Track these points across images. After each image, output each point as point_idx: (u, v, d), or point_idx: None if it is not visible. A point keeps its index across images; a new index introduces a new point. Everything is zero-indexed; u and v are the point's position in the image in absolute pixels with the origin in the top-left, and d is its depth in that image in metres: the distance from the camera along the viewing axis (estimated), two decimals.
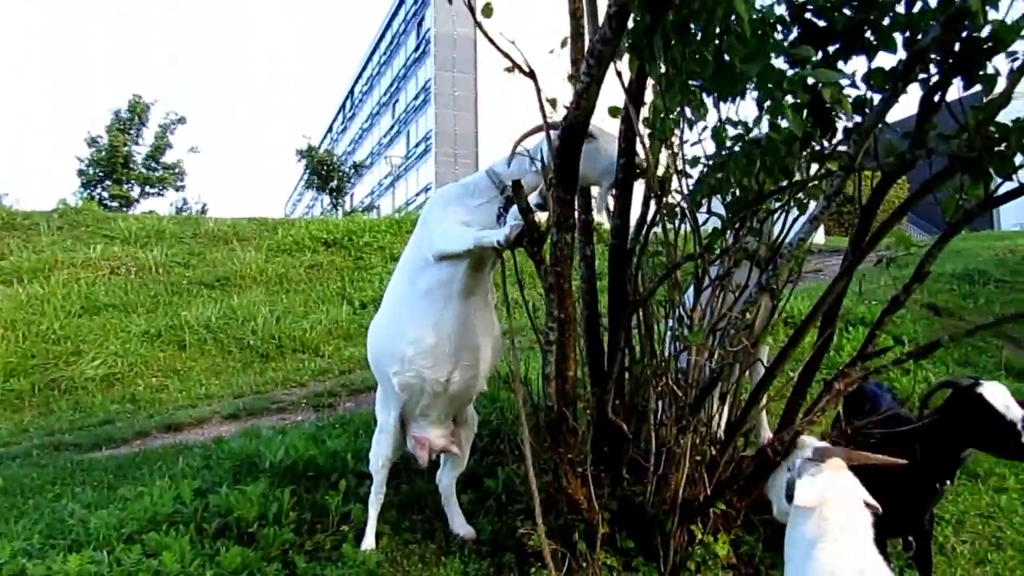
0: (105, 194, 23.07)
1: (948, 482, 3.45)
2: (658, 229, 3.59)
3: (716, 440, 3.79)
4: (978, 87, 3.01)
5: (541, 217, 3.12)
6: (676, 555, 3.59)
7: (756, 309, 3.28)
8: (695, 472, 3.57)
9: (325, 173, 31.24)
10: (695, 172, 3.35)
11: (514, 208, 3.17)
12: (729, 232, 3.11)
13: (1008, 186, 3.01)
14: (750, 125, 2.84)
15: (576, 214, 3.49)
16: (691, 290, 3.65)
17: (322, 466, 4.33)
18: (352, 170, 33.70)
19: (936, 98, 3.23)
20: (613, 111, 3.54)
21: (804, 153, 2.84)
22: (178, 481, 4.22)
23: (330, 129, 68.56)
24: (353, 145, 59.10)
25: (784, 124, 2.60)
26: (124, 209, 21.82)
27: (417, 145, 44.09)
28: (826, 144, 2.84)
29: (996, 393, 3.42)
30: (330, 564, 3.51)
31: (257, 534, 3.61)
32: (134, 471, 5.17)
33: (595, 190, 3.64)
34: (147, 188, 24.25)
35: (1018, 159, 3.09)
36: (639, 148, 3.32)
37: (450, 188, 3.62)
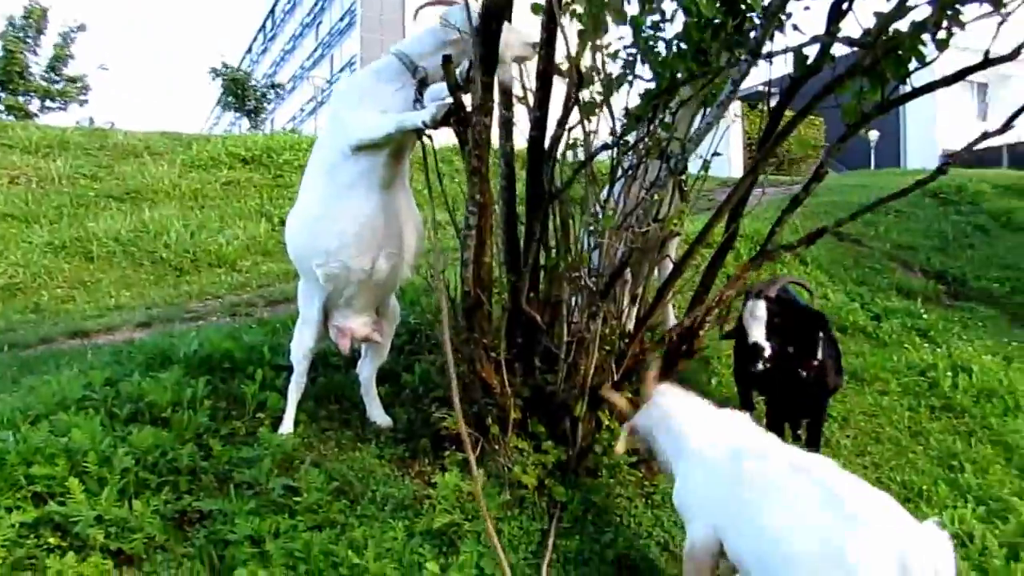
0: (0, 106, 21.60)
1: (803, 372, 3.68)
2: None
3: (625, 334, 3.96)
4: None
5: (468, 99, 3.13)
6: (583, 439, 3.78)
7: (665, 196, 3.40)
8: (604, 361, 3.74)
9: (242, 94, 30.01)
10: (615, 67, 3.42)
11: (432, 89, 3.17)
12: (643, 123, 3.20)
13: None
14: (667, 15, 2.91)
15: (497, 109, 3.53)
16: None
17: (238, 359, 4.32)
18: (271, 91, 32.45)
19: (844, 6, 3.37)
20: (535, 8, 3.55)
21: (715, 41, 2.92)
22: (87, 372, 4.16)
23: (249, 49, 65.56)
24: (274, 67, 56.75)
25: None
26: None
27: (342, 70, 42.67)
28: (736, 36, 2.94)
29: (751, 310, 3.62)
30: (246, 447, 3.56)
31: (171, 419, 3.61)
32: (40, 366, 5.04)
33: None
34: (47, 102, 22.77)
35: (913, 64, 3.27)
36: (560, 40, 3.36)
37: (359, 76, 3.58)
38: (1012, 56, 3.19)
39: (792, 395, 3.91)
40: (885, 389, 5.71)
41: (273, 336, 4.76)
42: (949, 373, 6.01)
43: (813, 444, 4.15)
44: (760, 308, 3.67)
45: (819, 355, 3.72)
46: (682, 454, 2.97)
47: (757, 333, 3.66)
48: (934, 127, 30.91)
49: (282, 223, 10.88)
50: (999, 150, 27.56)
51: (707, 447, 2.87)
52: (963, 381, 5.91)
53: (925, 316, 7.39)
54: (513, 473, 3.58)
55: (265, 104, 31.88)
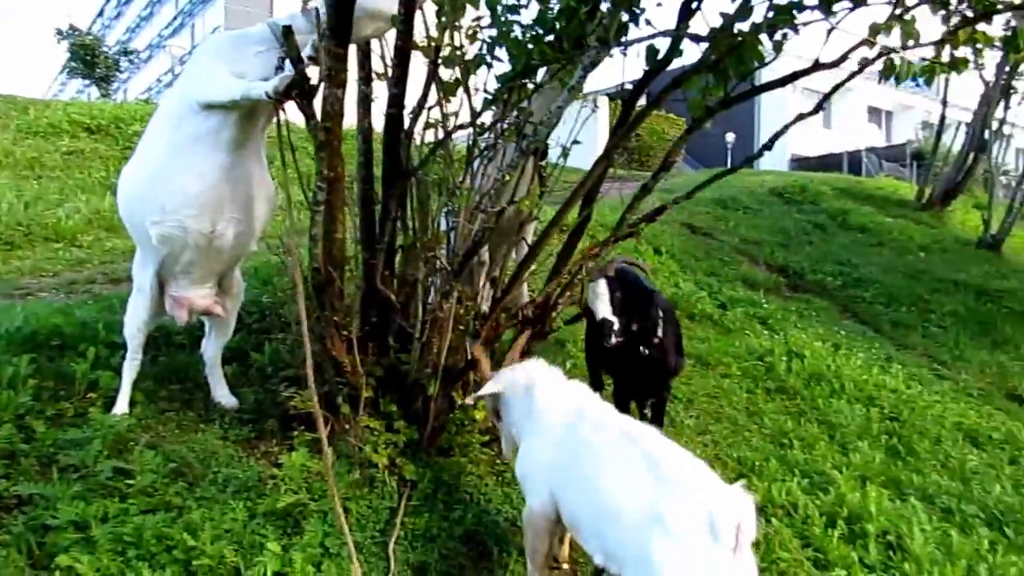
0: None
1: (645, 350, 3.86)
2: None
3: (481, 315, 3.99)
4: None
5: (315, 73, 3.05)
6: (436, 418, 3.79)
7: (518, 175, 3.45)
8: (458, 341, 3.76)
9: (91, 59, 27.93)
10: (473, 49, 3.43)
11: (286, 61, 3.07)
12: (499, 105, 3.24)
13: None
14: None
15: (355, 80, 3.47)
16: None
17: (68, 335, 4.03)
18: (124, 58, 30.41)
19: (693, 4, 3.53)
20: None
21: (568, 28, 3.00)
22: None
23: (101, 12, 61.07)
24: (129, 34, 53.14)
25: None
26: None
27: (204, 40, 40.55)
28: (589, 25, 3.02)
29: (593, 289, 3.78)
30: (74, 429, 3.33)
31: None
32: None
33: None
34: None
35: (754, 64, 3.46)
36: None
37: (223, 36, 3.42)
38: (838, 63, 3.45)
39: (636, 374, 4.07)
40: (727, 372, 6.07)
41: (109, 312, 4.48)
42: (784, 358, 6.46)
43: (657, 422, 4.35)
44: (601, 286, 3.81)
45: (659, 333, 3.89)
46: (528, 418, 3.10)
47: (603, 310, 3.79)
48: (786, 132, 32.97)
49: None
50: (840, 156, 29.81)
51: (550, 414, 3.01)
52: (796, 365, 6.38)
53: (766, 306, 7.90)
54: (364, 452, 3.54)
55: (117, 72, 29.86)
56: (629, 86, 3.79)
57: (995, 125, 15.10)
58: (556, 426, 2.95)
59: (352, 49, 3.47)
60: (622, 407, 4.29)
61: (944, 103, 15.90)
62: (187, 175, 3.27)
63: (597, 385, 4.88)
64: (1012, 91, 14.74)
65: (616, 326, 3.78)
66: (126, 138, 12.38)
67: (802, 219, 12.21)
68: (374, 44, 3.66)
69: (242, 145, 3.33)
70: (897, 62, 2.95)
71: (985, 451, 5.90)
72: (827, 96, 3.43)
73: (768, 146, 3.46)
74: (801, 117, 3.55)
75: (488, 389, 3.30)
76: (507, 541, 3.45)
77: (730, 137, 31.33)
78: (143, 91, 45.62)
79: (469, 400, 3.50)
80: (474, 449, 3.93)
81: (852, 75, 3.30)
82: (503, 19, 3.06)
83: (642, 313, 3.85)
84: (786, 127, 3.46)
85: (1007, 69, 13.15)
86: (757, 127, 34.47)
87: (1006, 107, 15.00)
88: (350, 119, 3.69)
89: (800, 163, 30.25)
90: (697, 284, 7.96)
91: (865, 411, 5.88)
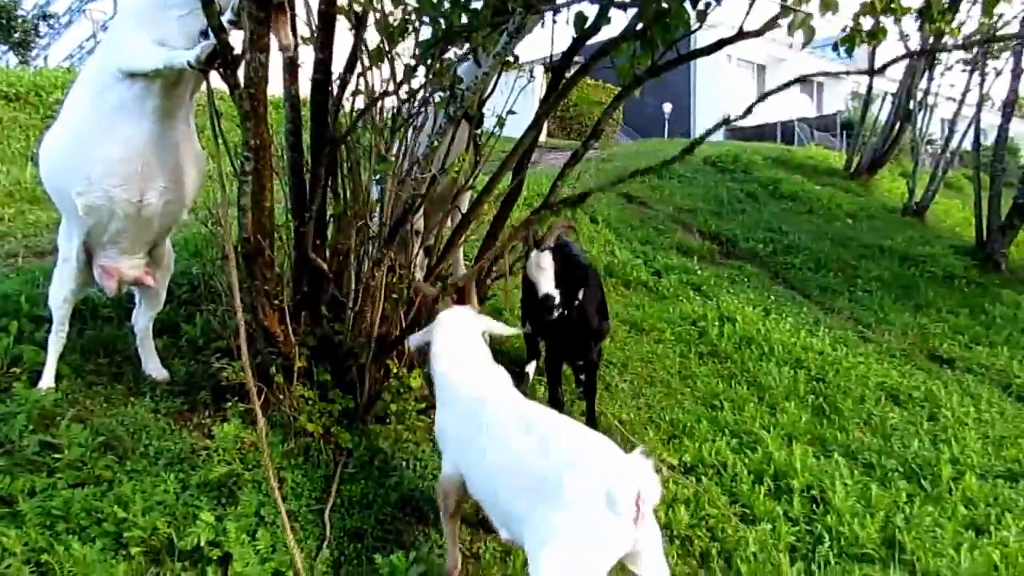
0: None
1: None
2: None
3: (413, 283, 4.00)
4: None
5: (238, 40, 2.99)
6: (372, 387, 3.80)
7: (450, 143, 3.44)
8: (391, 310, 3.77)
9: (7, 23, 26.58)
10: (398, 12, 3.40)
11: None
12: (422, 72, 3.23)
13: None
14: None
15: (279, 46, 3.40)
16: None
17: None
18: (42, 22, 29.02)
19: None
20: None
21: None
22: None
23: None
24: None
25: None
26: None
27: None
28: None
29: (537, 261, 3.85)
30: None
31: None
32: None
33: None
34: None
35: (680, 32, 3.52)
36: None
37: (142, 2, 3.31)
38: (760, 32, 3.52)
39: (565, 338, 4.16)
40: (661, 338, 6.21)
41: (32, 286, 4.35)
42: (716, 323, 6.63)
43: (589, 384, 4.45)
44: (546, 259, 3.85)
45: (579, 298, 3.97)
46: (442, 391, 3.16)
47: (546, 285, 3.84)
48: (720, 102, 33.42)
49: None
50: (774, 126, 30.38)
51: (461, 392, 3.05)
52: (728, 330, 6.55)
53: (700, 272, 8.07)
54: (298, 422, 3.54)
55: (36, 37, 28.51)
56: (559, 55, 3.81)
57: (919, 96, 15.56)
58: (464, 406, 3.00)
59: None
60: (555, 370, 4.39)
61: (871, 73, 16.26)
62: (112, 144, 3.20)
63: (533, 353, 4.96)
64: (936, 62, 15.18)
65: (557, 300, 3.85)
66: (47, 106, 11.88)
67: (735, 188, 12.43)
68: (299, 8, 3.59)
69: (168, 113, 3.26)
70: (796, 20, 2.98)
71: (906, 409, 6.17)
72: (757, 101, 3.52)
73: (697, 143, 3.57)
74: (726, 122, 3.66)
75: (418, 340, 3.37)
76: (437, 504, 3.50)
77: (667, 107, 31.64)
78: (64, 57, 43.54)
79: (409, 341, 3.49)
80: (410, 416, 3.94)
81: (745, 35, 3.35)
82: None
83: (572, 280, 3.92)
84: (709, 131, 3.59)
85: (930, 40, 13.54)
86: (693, 97, 34.88)
87: (930, 78, 15.46)
88: (278, 87, 3.64)
89: (735, 132, 30.82)
90: (633, 252, 8.07)
91: (793, 373, 6.08)
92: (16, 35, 26.47)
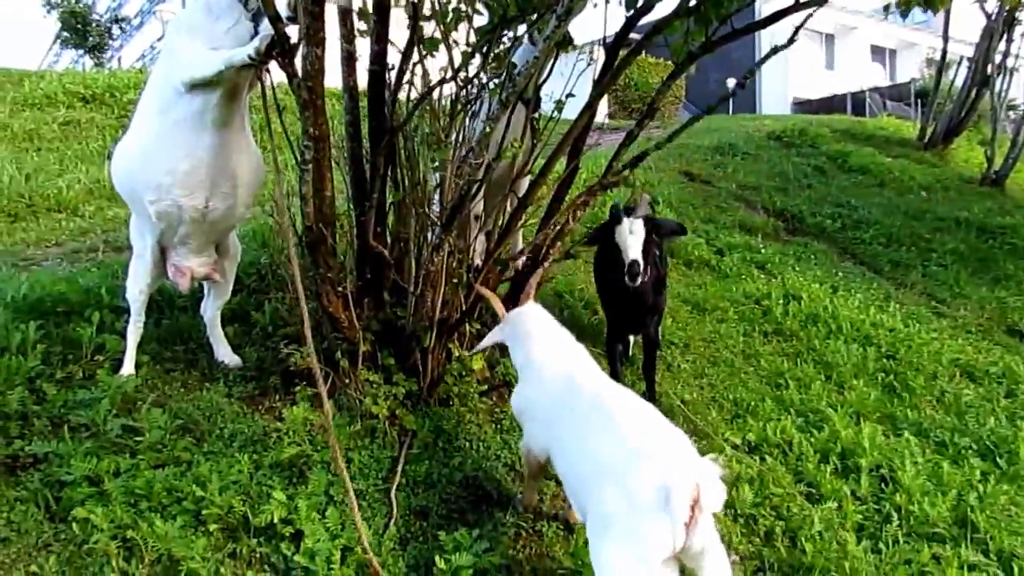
0: None
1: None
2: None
3: (473, 267, 4.06)
4: None
5: (293, 31, 3.08)
6: (434, 370, 3.89)
7: (506, 127, 3.48)
8: (452, 294, 3.84)
9: (82, 28, 27.65)
10: (453, 2, 3.44)
11: (265, 21, 3.10)
12: (478, 58, 3.26)
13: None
14: None
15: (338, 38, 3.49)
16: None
17: (74, 302, 4.13)
18: (115, 25, 30.08)
19: None
20: None
21: None
22: None
23: None
24: (119, 0, 52.46)
25: None
26: None
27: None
28: None
29: (629, 227, 3.90)
30: (83, 390, 3.45)
31: None
32: None
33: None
34: None
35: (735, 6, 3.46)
36: None
37: (191, 13, 3.46)
38: (821, 2, 3.45)
39: (625, 310, 4.21)
40: (723, 317, 6.14)
41: (112, 278, 4.57)
42: (781, 301, 6.52)
43: (649, 362, 4.47)
44: (638, 225, 3.91)
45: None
46: (525, 366, 3.27)
47: (635, 251, 3.91)
48: (787, 75, 32.56)
49: None
50: (844, 97, 29.46)
51: (544, 367, 3.15)
52: (793, 308, 6.43)
53: (763, 250, 7.93)
54: (364, 405, 3.65)
55: (109, 40, 29.59)
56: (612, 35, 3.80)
57: (998, 59, 14.87)
58: (548, 380, 3.10)
59: (332, 7, 3.50)
60: (613, 347, 4.42)
61: (945, 38, 15.61)
62: (178, 156, 3.40)
63: (619, 336, 4.85)
64: (1016, 22, 14.48)
65: (642, 266, 3.91)
66: (121, 106, 12.37)
67: (801, 162, 12.13)
68: (355, 1, 3.67)
69: (227, 123, 3.43)
70: None
71: (982, 386, 5.97)
72: (789, 41, 3.44)
73: (741, 84, 3.50)
74: (775, 50, 3.58)
75: (488, 341, 3.52)
76: (505, 486, 3.57)
77: (730, 82, 30.97)
78: (137, 58, 45.03)
79: (477, 348, 3.69)
80: (472, 399, 4.03)
81: (805, 5, 3.28)
82: None
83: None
84: (759, 63, 3.50)
85: (1006, 4, 12.93)
86: (759, 71, 34.13)
87: (1008, 40, 14.75)
88: (336, 79, 3.74)
89: (802, 106, 29.90)
90: (694, 231, 7.97)
91: (862, 350, 5.93)
92: (91, 39, 27.50)
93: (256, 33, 3.27)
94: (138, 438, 3.22)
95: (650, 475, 2.35)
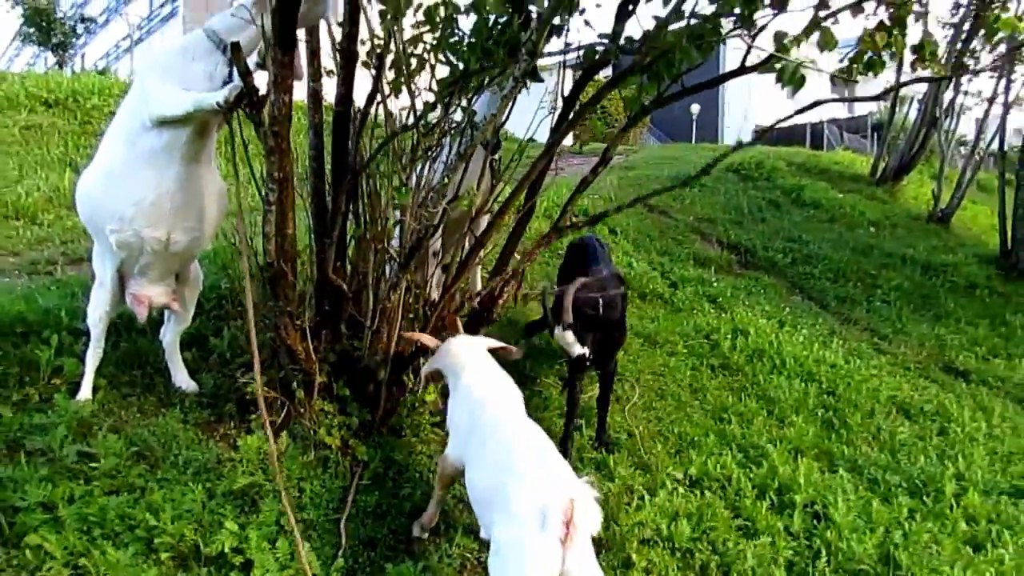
0: None
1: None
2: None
3: (429, 301, 4.20)
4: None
5: (262, 80, 3.21)
6: (388, 402, 4.01)
7: (459, 177, 3.63)
8: (408, 328, 3.97)
9: (47, 26, 27.28)
10: (416, 50, 3.59)
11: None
12: (439, 107, 3.42)
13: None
14: (461, 8, 3.12)
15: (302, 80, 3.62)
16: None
17: (32, 323, 4.16)
18: (80, 24, 29.72)
19: (629, 7, 3.71)
20: None
21: (502, 38, 3.18)
22: None
23: None
24: None
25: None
26: None
27: (162, 5, 39.58)
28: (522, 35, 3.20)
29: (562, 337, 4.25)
30: (39, 413, 3.49)
31: None
32: None
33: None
34: None
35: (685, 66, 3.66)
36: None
37: (166, 51, 3.57)
38: (758, 67, 3.65)
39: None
40: (674, 351, 6.34)
41: (71, 299, 4.61)
42: (729, 336, 6.74)
43: (604, 395, 4.66)
44: (569, 335, 4.18)
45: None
46: (455, 389, 3.51)
47: (576, 349, 4.23)
48: (749, 103, 33.26)
49: None
50: (804, 127, 30.17)
51: (473, 386, 3.40)
52: (740, 343, 6.66)
53: (716, 284, 8.17)
54: (318, 435, 3.75)
55: (74, 39, 29.23)
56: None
57: (946, 102, 15.46)
58: (471, 408, 3.31)
59: (302, 47, 3.63)
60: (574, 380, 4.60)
61: (899, 73, 16.14)
62: (143, 189, 3.47)
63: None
64: (963, 68, 15.05)
65: (588, 354, 4.26)
66: (84, 112, 12.27)
67: (757, 196, 12.49)
68: (324, 42, 3.81)
69: (194, 158, 3.52)
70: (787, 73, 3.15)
71: (916, 423, 6.24)
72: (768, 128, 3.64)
73: (708, 169, 3.71)
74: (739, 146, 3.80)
75: (429, 367, 3.73)
76: (453, 517, 3.69)
77: (695, 108, 31.62)
78: (100, 56, 44.38)
79: (420, 374, 3.87)
80: (424, 429, 4.16)
81: (746, 70, 3.48)
82: (440, 28, 3.24)
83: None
84: (717, 157, 3.68)
85: (958, 47, 13.48)
86: (722, 99, 34.75)
87: (957, 85, 15.35)
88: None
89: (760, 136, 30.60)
90: (650, 264, 8.20)
91: (803, 386, 6.17)
92: (56, 38, 27.13)
93: (230, 78, 3.37)
94: (93, 464, 3.27)
95: (530, 497, 2.56)
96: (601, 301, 4.27)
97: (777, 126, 3.95)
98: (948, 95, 15.50)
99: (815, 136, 29.76)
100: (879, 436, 5.76)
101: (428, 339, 3.74)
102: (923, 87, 16.44)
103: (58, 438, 3.32)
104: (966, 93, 15.70)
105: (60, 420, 3.42)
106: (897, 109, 17.70)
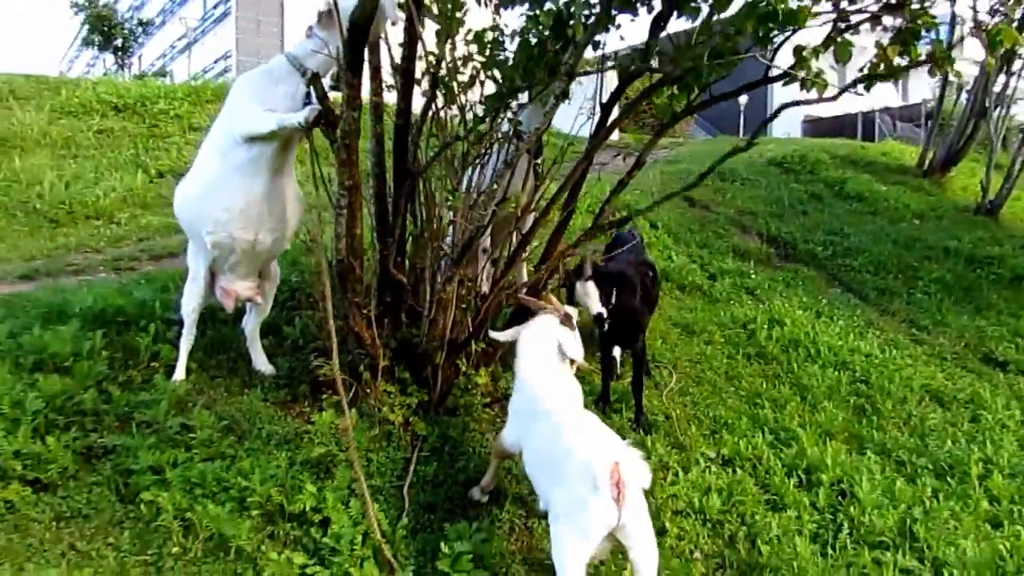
0: None
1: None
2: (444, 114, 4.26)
3: (480, 293, 4.63)
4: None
5: (337, 96, 3.66)
6: (444, 383, 4.44)
7: (506, 181, 4.04)
8: (461, 318, 4.40)
9: (107, 30, 28.48)
10: (468, 68, 4.01)
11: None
12: (488, 119, 3.84)
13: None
14: (507, 32, 3.53)
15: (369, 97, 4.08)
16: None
17: (131, 313, 4.71)
18: (139, 28, 30.91)
19: (662, 24, 4.07)
20: (402, 7, 4.07)
21: (542, 60, 3.58)
22: None
23: None
24: (141, 1, 53.38)
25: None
26: None
27: (216, 6, 40.77)
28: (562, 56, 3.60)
29: (583, 290, 4.54)
30: (143, 392, 4.02)
31: (72, 368, 4.01)
32: None
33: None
34: None
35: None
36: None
37: (253, 76, 4.04)
38: (781, 77, 3.97)
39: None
40: (711, 340, 6.64)
41: (163, 292, 5.15)
42: (766, 326, 6.99)
43: (636, 377, 5.01)
44: (590, 287, 4.52)
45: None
46: (519, 379, 3.81)
47: (595, 307, 4.52)
48: (798, 93, 32.80)
49: (159, 175, 10.91)
50: (855, 116, 29.54)
51: (532, 383, 3.70)
52: (776, 333, 6.90)
53: (754, 276, 8.41)
54: (382, 412, 4.21)
55: (133, 42, 30.43)
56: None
57: (995, 92, 15.25)
58: (531, 394, 3.63)
59: (364, 67, 4.08)
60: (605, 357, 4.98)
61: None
62: (235, 196, 3.97)
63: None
64: (1015, 56, 14.82)
65: (605, 314, 4.52)
66: (151, 116, 12.91)
67: (799, 189, 12.59)
68: (384, 62, 4.25)
69: (279, 169, 4.01)
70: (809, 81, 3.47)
71: (949, 410, 6.36)
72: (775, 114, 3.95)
73: (750, 143, 4.01)
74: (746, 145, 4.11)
75: (506, 336, 3.99)
76: (502, 489, 4.10)
77: (743, 99, 31.34)
78: (157, 57, 45.76)
79: (493, 334, 4.10)
80: (476, 409, 4.59)
81: (770, 80, 3.79)
82: (488, 51, 3.67)
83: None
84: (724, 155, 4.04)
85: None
86: (770, 89, 34.42)
87: (1008, 73, 15.11)
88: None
89: (813, 125, 30.00)
90: (689, 256, 8.48)
91: (837, 374, 6.36)
92: (116, 41, 28.27)
93: (308, 94, 3.82)
94: (191, 435, 3.78)
95: (580, 465, 2.90)
96: (621, 271, 4.59)
97: (826, 115, 4.24)
98: (1000, 81, 15.21)
99: (867, 125, 29.14)
100: (909, 422, 5.92)
101: (533, 301, 4.05)
102: (972, 74, 16.28)
103: (161, 412, 3.83)
104: (1017, 84, 15.44)
105: (162, 397, 3.94)
106: (945, 97, 17.43)
